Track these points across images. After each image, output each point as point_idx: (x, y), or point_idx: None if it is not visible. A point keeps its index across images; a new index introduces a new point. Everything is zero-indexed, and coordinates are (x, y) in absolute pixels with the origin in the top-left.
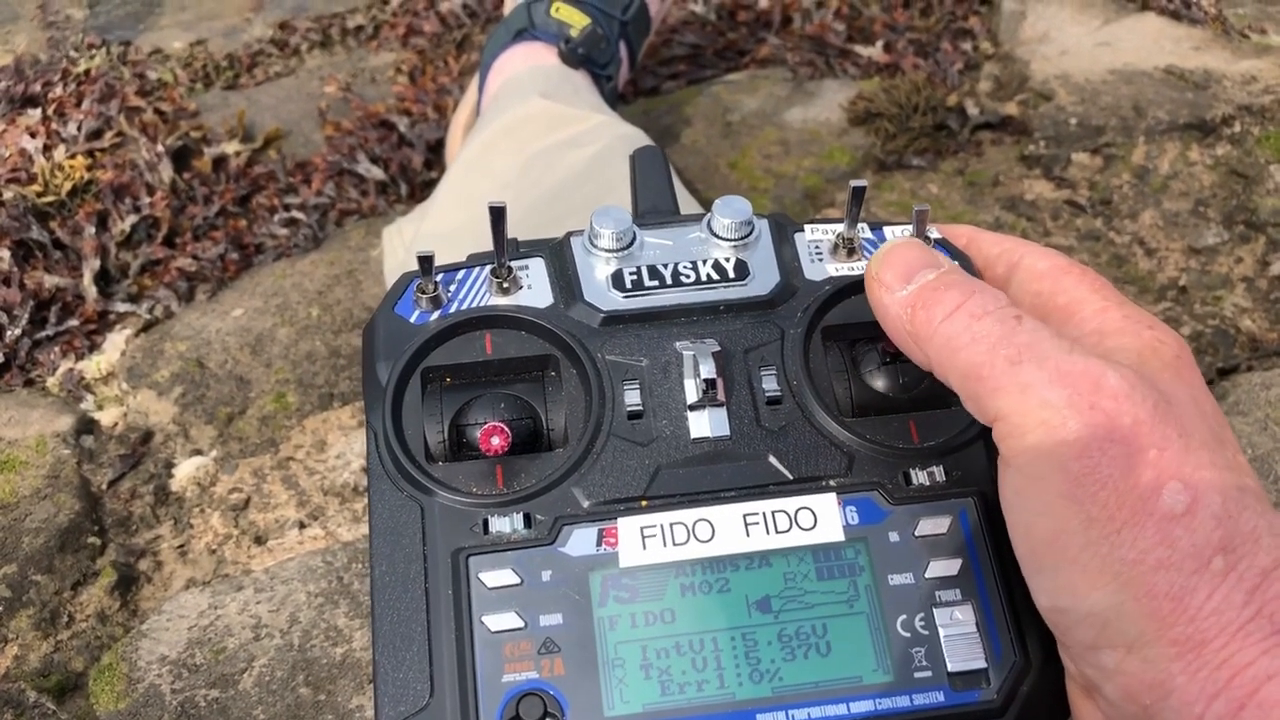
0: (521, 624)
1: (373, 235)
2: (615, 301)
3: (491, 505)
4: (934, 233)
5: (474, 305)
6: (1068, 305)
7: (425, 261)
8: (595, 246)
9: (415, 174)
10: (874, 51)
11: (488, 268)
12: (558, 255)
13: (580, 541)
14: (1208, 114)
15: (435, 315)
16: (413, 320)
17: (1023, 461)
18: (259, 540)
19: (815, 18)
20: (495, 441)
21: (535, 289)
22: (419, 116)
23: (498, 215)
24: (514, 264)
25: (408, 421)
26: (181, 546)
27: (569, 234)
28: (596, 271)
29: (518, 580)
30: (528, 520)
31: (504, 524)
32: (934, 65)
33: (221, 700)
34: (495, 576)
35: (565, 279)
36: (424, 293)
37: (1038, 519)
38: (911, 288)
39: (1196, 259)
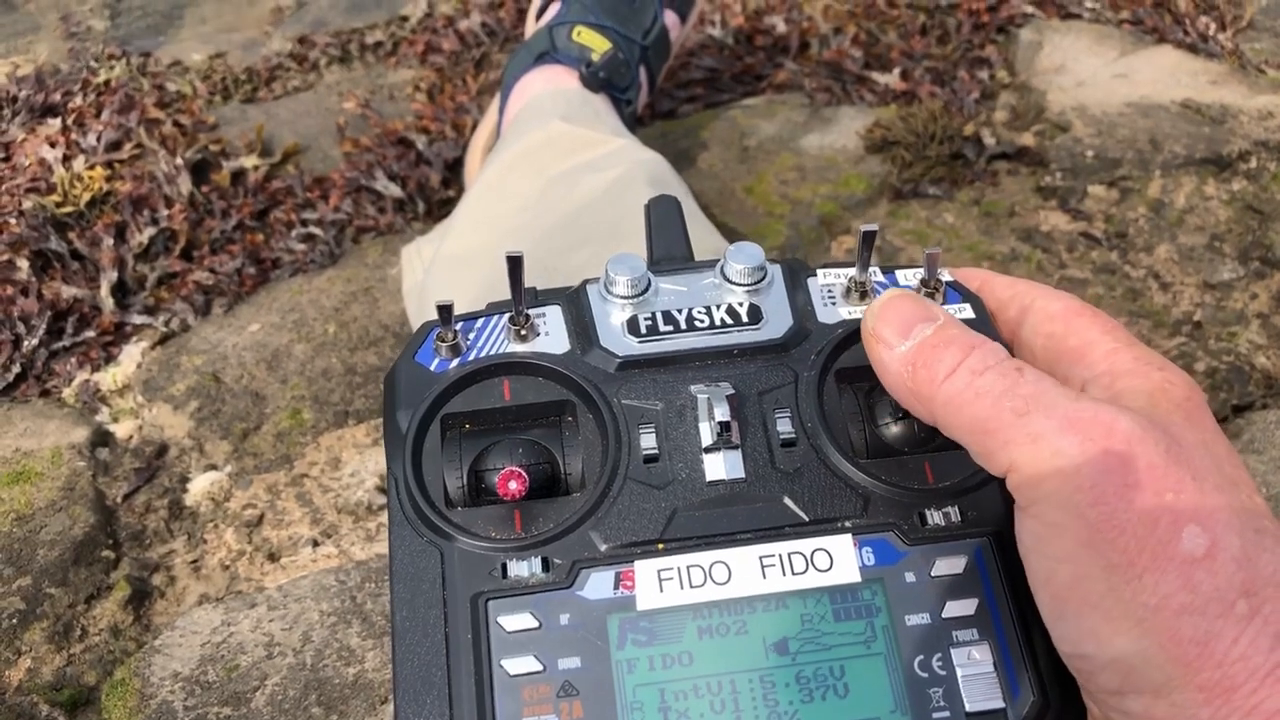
0: (540, 667)
1: (390, 253)
2: (630, 347)
3: (510, 549)
4: (946, 275)
5: (493, 352)
6: (1079, 347)
7: (444, 310)
8: (610, 293)
9: (433, 192)
10: (891, 79)
11: (506, 315)
12: (574, 303)
13: (598, 585)
14: (1224, 149)
15: (455, 363)
16: (433, 368)
17: (1040, 510)
18: (272, 557)
19: (833, 44)
20: (513, 486)
21: (552, 335)
22: (437, 135)
23: (515, 264)
24: (531, 311)
25: (427, 468)
26: (195, 562)
27: (585, 282)
28: (612, 318)
29: (536, 624)
30: (545, 564)
31: (522, 568)
32: (950, 94)
33: (234, 719)
34: (514, 620)
35: (581, 325)
36: (444, 341)
37: (1058, 566)
38: (910, 344)
39: (1211, 294)
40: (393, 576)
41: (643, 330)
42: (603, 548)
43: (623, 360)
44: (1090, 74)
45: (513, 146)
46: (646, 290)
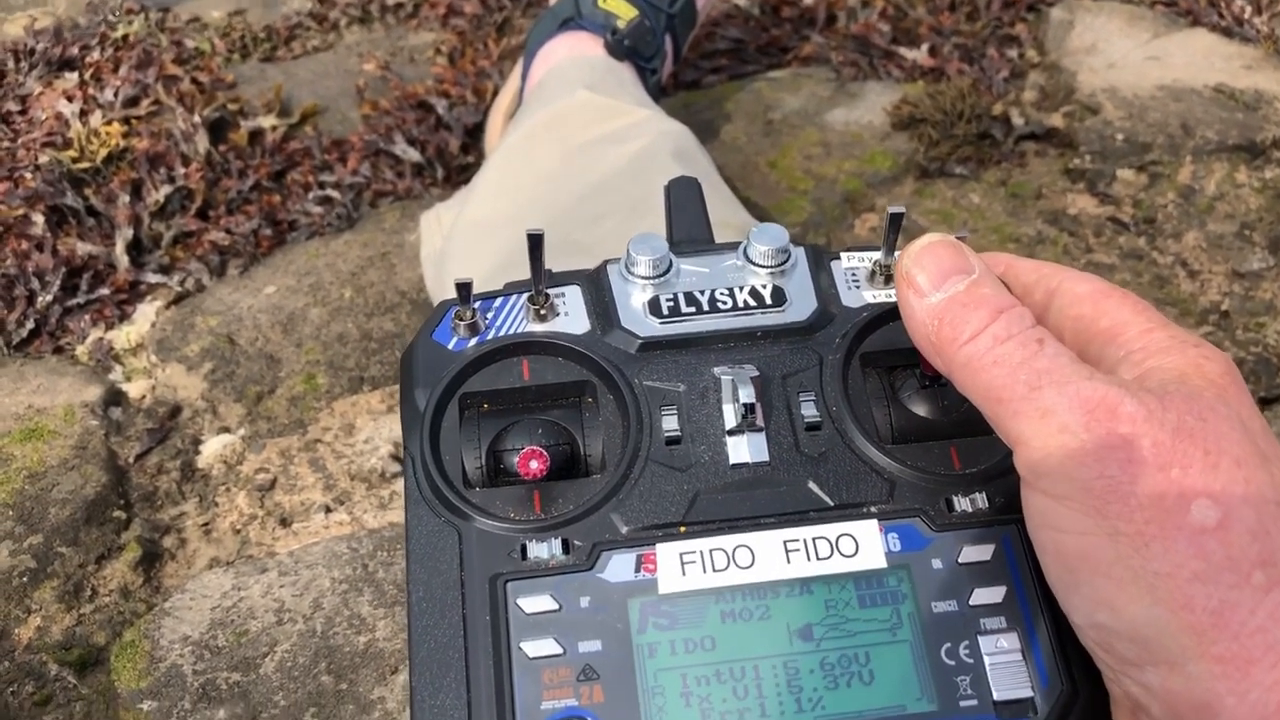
0: (560, 650)
1: (407, 218)
2: (652, 328)
3: (529, 531)
4: None
5: (511, 332)
6: (1110, 328)
7: (463, 289)
8: (632, 274)
9: (452, 158)
10: (919, 55)
11: (525, 295)
12: (594, 283)
13: (619, 567)
14: (1258, 135)
15: (473, 342)
16: (450, 347)
17: (1045, 484)
18: (284, 522)
19: (860, 17)
20: (534, 466)
21: (572, 316)
22: (457, 99)
23: (535, 242)
24: (551, 291)
25: (445, 447)
26: (206, 525)
27: (605, 262)
28: (633, 299)
29: (556, 606)
30: (566, 546)
31: (542, 549)
32: (979, 72)
33: (243, 684)
34: (533, 602)
35: (602, 305)
36: (461, 319)
37: (1064, 537)
38: (941, 296)
39: (1240, 283)
40: (409, 557)
41: (664, 311)
42: (624, 530)
43: (644, 341)
44: (1122, 55)
45: (536, 114)
46: (668, 271)
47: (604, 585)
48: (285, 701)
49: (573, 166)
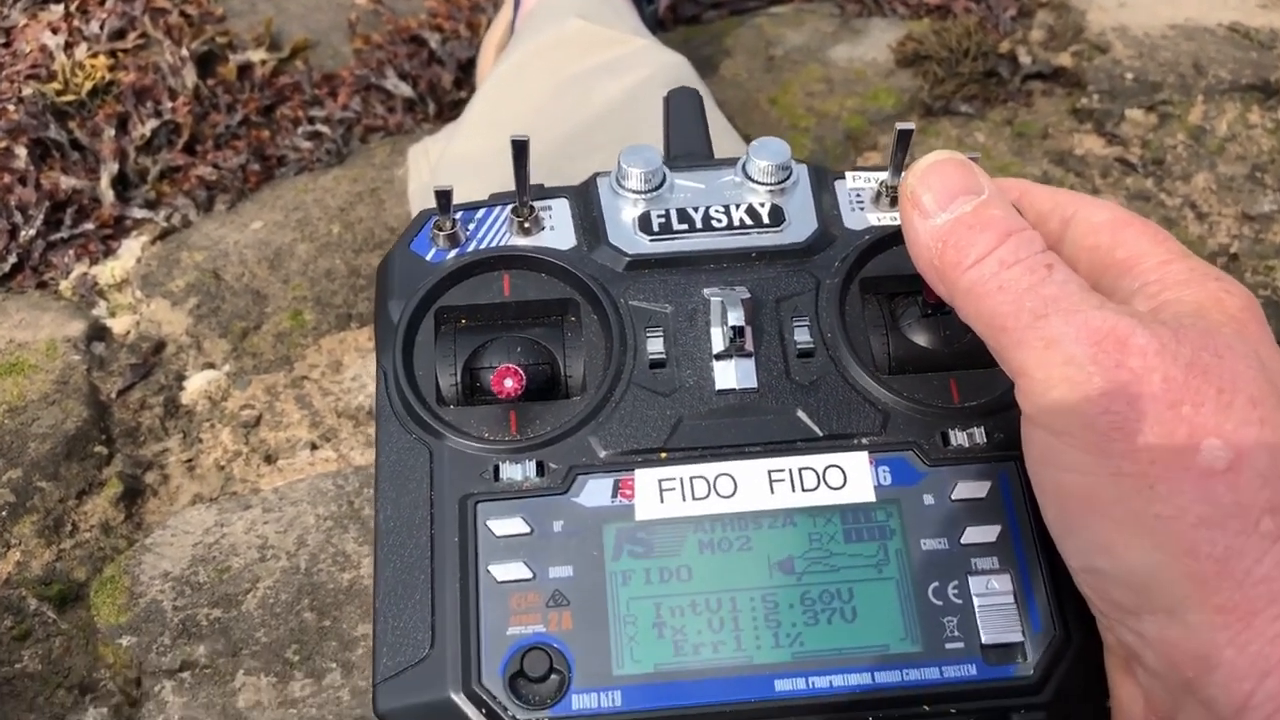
0: (530, 575)
1: (398, 154)
2: (641, 245)
3: (503, 451)
4: None
5: (493, 245)
6: (1127, 259)
7: (443, 197)
8: (622, 187)
9: (444, 93)
10: None
11: (509, 206)
12: (582, 196)
13: (595, 492)
14: (1272, 75)
15: (452, 254)
16: (429, 258)
17: (1046, 419)
18: (269, 459)
19: None
20: (509, 384)
21: (558, 230)
22: (451, 33)
23: (520, 149)
24: (536, 204)
25: (419, 362)
26: (189, 461)
27: (595, 175)
28: (623, 213)
29: (528, 530)
30: (540, 468)
31: (516, 471)
32: (986, 9)
33: (224, 620)
34: (504, 525)
35: (590, 220)
36: (441, 230)
37: (1064, 475)
38: (946, 217)
39: (1250, 226)
40: (378, 474)
41: (655, 228)
42: (602, 454)
43: (632, 259)
44: None
45: (526, 44)
46: (661, 185)
47: (578, 509)
48: (267, 638)
49: (566, 98)
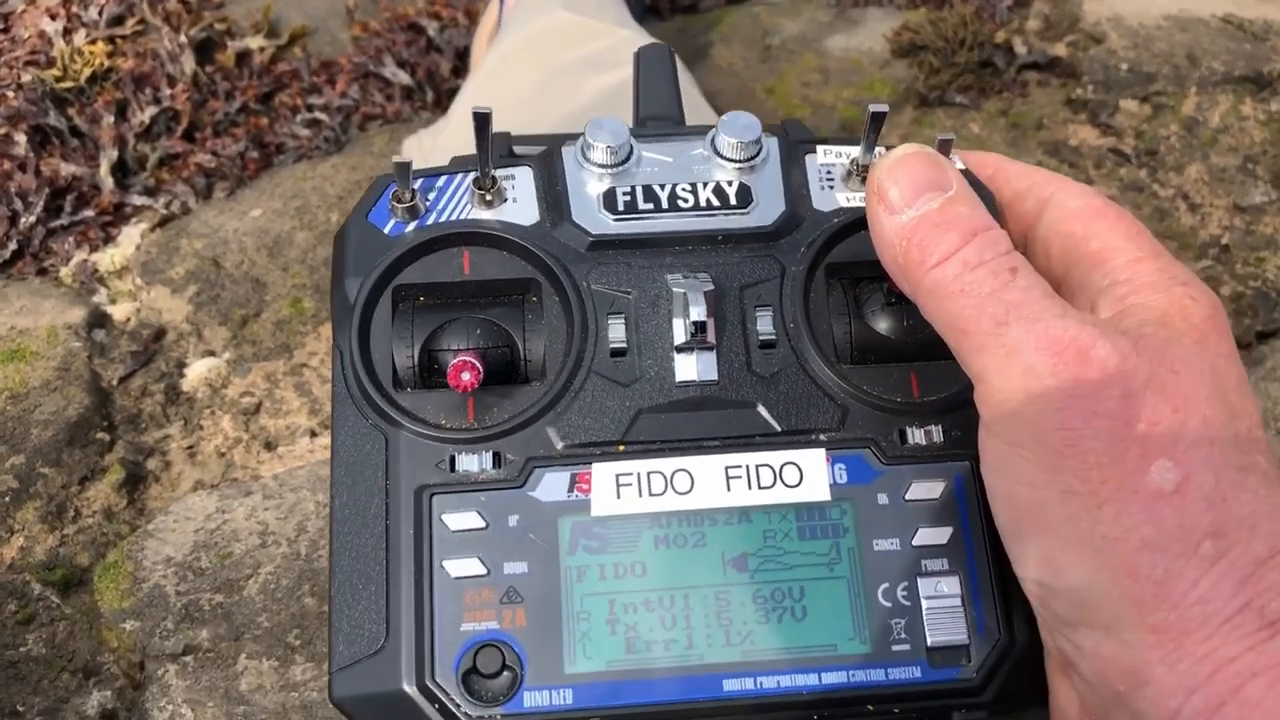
0: (484, 571)
1: (396, 141)
2: (605, 224)
3: (460, 441)
4: (958, 162)
5: (454, 218)
6: (1099, 252)
7: (402, 167)
8: (588, 160)
9: (442, 81)
10: None
11: (470, 176)
12: (547, 166)
13: (551, 486)
14: (1265, 67)
15: (412, 226)
16: (387, 231)
17: (1002, 428)
18: (269, 446)
19: None
20: (465, 378)
21: (520, 203)
22: (449, 21)
23: (482, 122)
24: (499, 174)
25: (376, 343)
26: (190, 448)
27: (561, 143)
28: (588, 188)
29: (483, 524)
30: (497, 460)
31: (472, 462)
32: None
33: (226, 605)
34: (459, 519)
35: (554, 195)
36: (400, 201)
37: (1017, 488)
38: (912, 214)
39: (1241, 217)
40: (334, 460)
41: (620, 207)
42: (559, 446)
43: (596, 239)
44: None
45: (513, 35)
46: (628, 160)
47: (534, 504)
48: (268, 623)
49: (552, 91)
